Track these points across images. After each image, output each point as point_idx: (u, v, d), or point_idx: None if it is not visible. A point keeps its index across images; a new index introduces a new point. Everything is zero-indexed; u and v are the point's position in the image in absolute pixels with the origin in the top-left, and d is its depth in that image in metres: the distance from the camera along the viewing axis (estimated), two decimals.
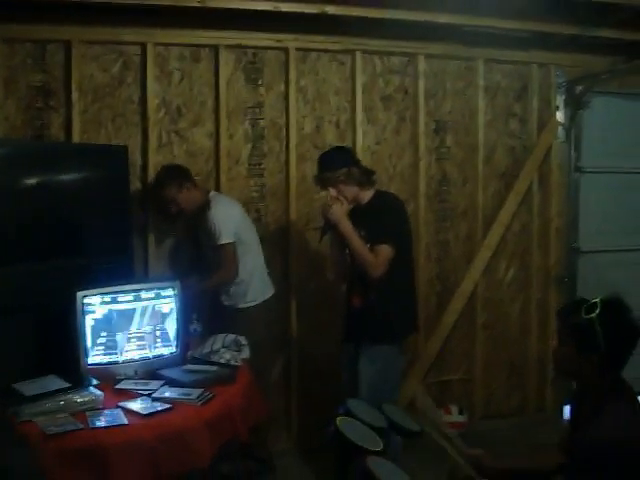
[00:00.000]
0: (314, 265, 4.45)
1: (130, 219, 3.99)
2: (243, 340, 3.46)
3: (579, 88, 4.96)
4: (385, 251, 3.37)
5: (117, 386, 3.08)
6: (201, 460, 2.77)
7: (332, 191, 3.46)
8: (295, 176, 4.41)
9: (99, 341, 3.16)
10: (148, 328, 3.28)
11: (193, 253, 4.20)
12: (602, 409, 2.20)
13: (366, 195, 3.54)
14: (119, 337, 3.21)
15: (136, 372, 3.20)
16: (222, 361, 3.33)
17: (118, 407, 2.82)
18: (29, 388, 2.89)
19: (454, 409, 4.67)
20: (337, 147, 3.85)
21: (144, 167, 4.14)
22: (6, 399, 2.78)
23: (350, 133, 4.52)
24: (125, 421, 2.70)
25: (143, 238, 4.17)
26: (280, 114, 4.40)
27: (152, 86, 4.12)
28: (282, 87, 4.39)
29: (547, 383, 5.09)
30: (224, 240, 3.82)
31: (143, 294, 3.28)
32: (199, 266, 4.11)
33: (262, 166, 4.39)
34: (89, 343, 3.13)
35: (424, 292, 4.63)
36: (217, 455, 2.84)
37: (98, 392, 2.89)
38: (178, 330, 3.36)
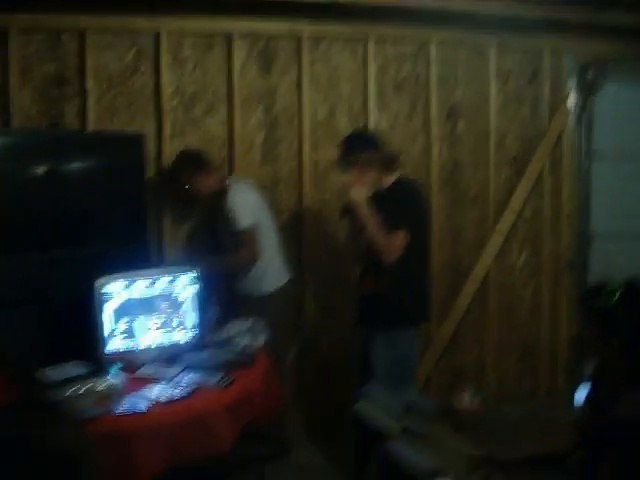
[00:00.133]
0: (328, 251, 4.48)
1: (146, 206, 4.02)
2: (261, 325, 3.49)
3: (591, 73, 4.95)
4: (400, 237, 3.39)
5: (137, 372, 3.11)
6: (222, 444, 2.80)
7: (352, 174, 3.48)
8: (308, 162, 4.43)
9: (118, 328, 3.20)
10: (167, 314, 3.32)
11: (209, 240, 4.21)
12: (621, 391, 2.23)
13: (388, 180, 3.55)
14: (138, 324, 3.24)
15: (155, 358, 3.23)
16: (240, 346, 3.37)
17: (139, 393, 2.85)
18: (52, 374, 2.93)
19: (468, 392, 4.70)
20: (360, 131, 3.86)
21: (158, 155, 4.16)
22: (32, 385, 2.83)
23: (362, 120, 4.53)
24: (146, 406, 2.73)
25: (158, 225, 4.20)
26: (293, 101, 4.41)
27: (166, 74, 4.14)
28: (295, 74, 4.40)
29: (558, 367, 5.12)
30: (244, 224, 3.82)
31: (162, 281, 3.31)
32: (215, 253, 4.13)
33: (276, 153, 4.40)
34: (108, 330, 3.17)
35: (436, 277, 4.64)
36: (237, 439, 2.88)
37: (119, 378, 2.93)
38: (197, 316, 3.39)
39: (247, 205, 3.89)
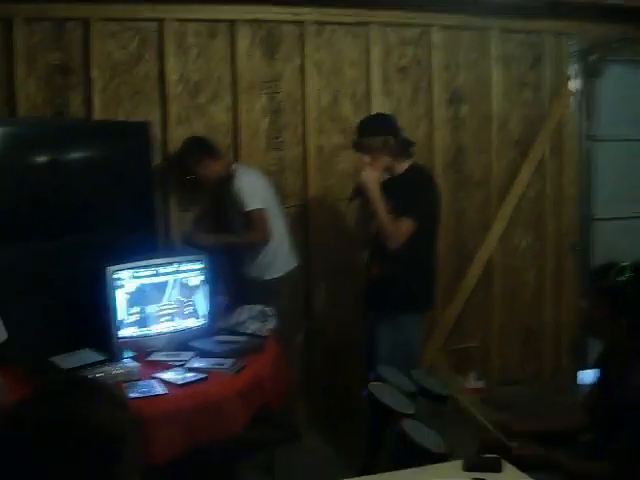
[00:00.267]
0: (334, 236, 4.51)
1: (153, 193, 4.04)
2: (269, 311, 3.52)
3: (592, 57, 4.95)
4: (406, 224, 3.38)
5: (149, 358, 3.15)
6: (234, 428, 2.84)
7: (366, 157, 3.47)
8: (313, 148, 4.45)
9: (130, 315, 3.22)
10: (177, 301, 3.34)
11: (218, 225, 4.22)
12: (630, 370, 2.26)
13: (401, 166, 3.55)
14: (149, 310, 3.27)
15: (167, 344, 3.26)
16: (249, 332, 3.41)
17: (153, 378, 2.89)
18: (66, 361, 2.96)
19: (472, 375, 4.75)
20: (378, 114, 3.87)
21: (164, 142, 4.18)
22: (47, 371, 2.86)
23: (366, 105, 4.54)
24: (162, 391, 2.77)
25: (165, 211, 4.22)
26: (297, 87, 4.42)
27: (170, 62, 4.15)
28: (298, 61, 4.40)
29: (562, 349, 5.16)
30: (255, 206, 3.84)
31: (172, 267, 3.34)
32: None
33: (280, 139, 4.42)
34: (120, 317, 3.20)
35: (441, 260, 4.64)
36: (248, 423, 2.91)
37: (134, 364, 2.97)
38: (207, 302, 3.42)
39: (255, 187, 3.91)
